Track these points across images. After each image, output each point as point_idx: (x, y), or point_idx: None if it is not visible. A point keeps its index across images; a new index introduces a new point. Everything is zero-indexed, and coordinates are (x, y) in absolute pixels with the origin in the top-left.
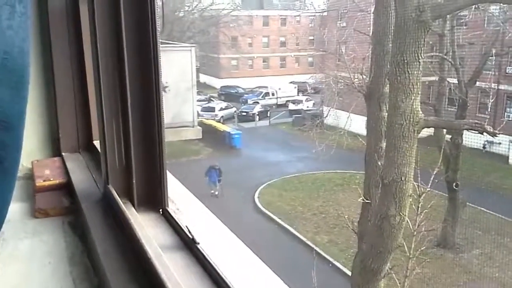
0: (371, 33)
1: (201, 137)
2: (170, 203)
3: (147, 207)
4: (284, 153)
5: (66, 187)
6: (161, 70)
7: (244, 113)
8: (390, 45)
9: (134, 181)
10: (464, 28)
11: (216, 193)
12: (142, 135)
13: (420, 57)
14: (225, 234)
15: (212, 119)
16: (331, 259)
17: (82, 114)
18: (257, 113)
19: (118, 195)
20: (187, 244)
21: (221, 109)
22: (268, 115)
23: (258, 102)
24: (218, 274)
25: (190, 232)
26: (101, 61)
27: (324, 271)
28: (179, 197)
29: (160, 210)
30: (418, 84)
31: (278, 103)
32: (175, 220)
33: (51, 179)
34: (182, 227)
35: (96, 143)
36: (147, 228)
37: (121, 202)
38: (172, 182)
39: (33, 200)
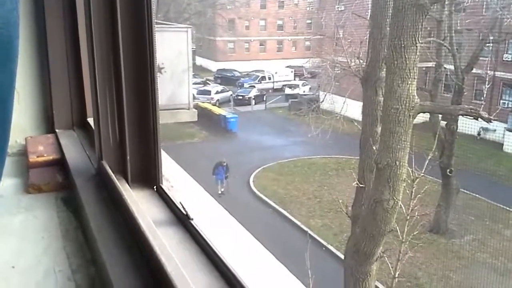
0: (369, 16)
1: (196, 119)
2: (164, 181)
3: (141, 183)
4: (280, 138)
5: (60, 163)
6: (156, 48)
7: (240, 97)
8: (388, 29)
9: (128, 158)
10: (462, 14)
11: (222, 189)
12: (136, 112)
13: (417, 42)
14: (218, 212)
15: (208, 102)
16: (324, 243)
17: (76, 91)
18: (253, 97)
19: (112, 171)
20: (181, 220)
21: (217, 92)
22: (264, 99)
23: (254, 86)
24: (212, 249)
25: (184, 208)
26: (95, 38)
27: (317, 255)
28: (173, 175)
29: (154, 187)
30: (415, 68)
31: (275, 87)
32: (169, 197)
33: (45, 155)
34: (176, 204)
35: (90, 120)
36: (141, 204)
37: (115, 178)
38: (166, 161)
39: (27, 176)
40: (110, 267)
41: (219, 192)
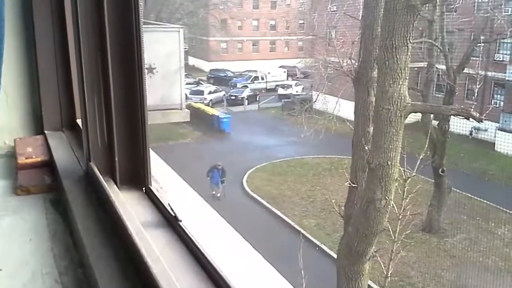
0: (360, 17)
1: (189, 120)
2: (153, 182)
3: (129, 185)
4: (273, 138)
5: (48, 165)
6: (144, 48)
7: (233, 97)
8: (379, 29)
9: (116, 159)
10: (454, 14)
11: (218, 195)
12: (125, 114)
13: (408, 42)
14: (208, 213)
15: (201, 102)
16: (318, 243)
17: (65, 93)
18: (246, 97)
19: (100, 173)
20: (170, 222)
21: (210, 92)
22: (257, 99)
23: (247, 86)
24: (200, 250)
25: (172, 210)
26: (82, 39)
27: (310, 254)
28: (163, 176)
29: (143, 188)
30: (406, 69)
31: (268, 88)
32: (158, 199)
33: (34, 156)
34: (165, 205)
35: (79, 121)
36: (129, 206)
37: (103, 180)
38: (155, 161)
39: (15, 177)
40: (97, 269)
41: (217, 195)
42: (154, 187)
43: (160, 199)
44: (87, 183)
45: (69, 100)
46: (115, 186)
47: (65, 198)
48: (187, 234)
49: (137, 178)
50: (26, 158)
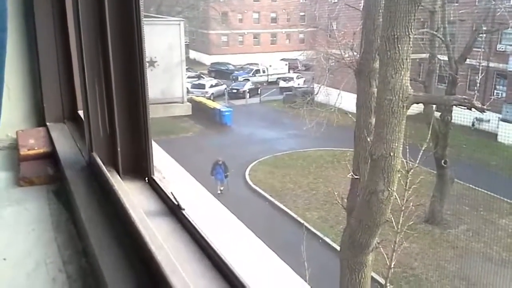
0: (362, 7)
1: (190, 113)
2: (156, 172)
3: (132, 175)
4: (275, 131)
5: (51, 156)
6: (145, 40)
7: (235, 90)
8: (381, 19)
9: (118, 149)
10: (456, 5)
11: (222, 188)
12: (126, 104)
13: (410, 32)
14: (211, 203)
15: (202, 96)
16: (321, 235)
17: (66, 84)
18: (247, 91)
19: (103, 163)
20: (173, 210)
21: (211, 86)
22: (259, 92)
23: (248, 79)
24: (203, 238)
25: (175, 199)
26: (83, 31)
27: (313, 246)
28: (165, 166)
29: (146, 178)
30: (408, 59)
31: (269, 81)
32: (160, 188)
33: (36, 148)
34: (168, 194)
35: (81, 113)
36: (132, 195)
37: (105, 170)
38: (158, 152)
39: (18, 169)
40: (101, 258)
41: (218, 192)
42: (156, 177)
43: (163, 188)
44: (89, 173)
45: (70, 92)
46: (117, 175)
47: (68, 188)
48: (190, 223)
49: (139, 168)
50: (29, 150)
